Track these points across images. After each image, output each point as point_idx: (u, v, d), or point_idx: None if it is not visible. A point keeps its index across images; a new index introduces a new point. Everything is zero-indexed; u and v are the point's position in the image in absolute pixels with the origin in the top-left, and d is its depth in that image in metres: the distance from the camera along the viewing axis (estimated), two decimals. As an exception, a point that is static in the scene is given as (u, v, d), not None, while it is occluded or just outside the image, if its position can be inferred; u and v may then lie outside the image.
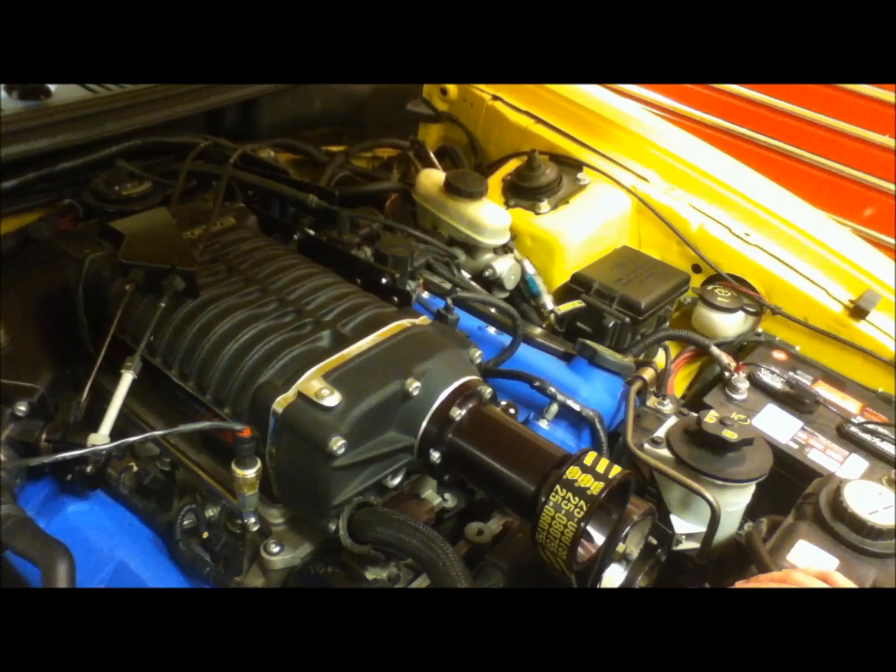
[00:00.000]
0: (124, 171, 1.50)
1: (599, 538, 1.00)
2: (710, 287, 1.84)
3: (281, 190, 1.61)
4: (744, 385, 1.52)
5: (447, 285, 1.59)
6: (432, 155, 2.10)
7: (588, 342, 1.48)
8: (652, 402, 1.43)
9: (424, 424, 1.07)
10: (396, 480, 1.11)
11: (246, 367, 1.08)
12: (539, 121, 2.07)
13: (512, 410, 1.30)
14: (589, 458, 0.98)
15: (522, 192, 1.88)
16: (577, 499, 0.94)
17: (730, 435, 1.21)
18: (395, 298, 1.36)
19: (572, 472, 0.96)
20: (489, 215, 1.76)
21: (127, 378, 1.06)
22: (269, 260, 1.28)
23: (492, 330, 1.53)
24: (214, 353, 1.10)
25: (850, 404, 1.55)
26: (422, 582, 1.15)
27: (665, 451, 1.27)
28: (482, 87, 2.16)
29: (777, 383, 1.54)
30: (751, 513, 1.29)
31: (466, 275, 1.75)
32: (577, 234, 1.83)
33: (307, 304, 1.18)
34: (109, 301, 1.19)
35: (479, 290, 1.69)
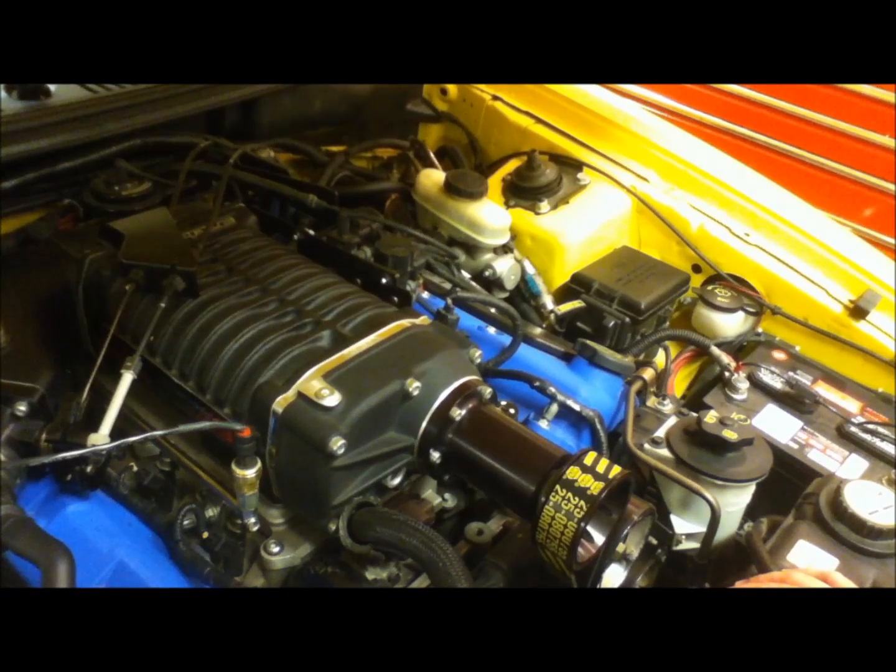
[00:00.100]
0: (124, 171, 1.50)
1: (599, 538, 1.00)
2: (710, 287, 1.84)
3: (281, 190, 1.61)
4: (744, 385, 1.52)
5: (447, 285, 1.59)
6: (432, 155, 2.10)
7: (588, 342, 1.48)
8: (652, 402, 1.43)
9: (424, 424, 1.07)
10: (396, 480, 1.11)
11: (246, 367, 1.08)
12: (539, 121, 2.07)
13: (512, 410, 1.30)
14: (589, 458, 0.98)
15: (522, 192, 1.88)
16: (577, 499, 0.94)
17: (730, 435, 1.21)
18: (395, 298, 1.36)
19: (572, 472, 0.96)
20: (489, 215, 1.76)
21: (127, 378, 1.06)
22: (269, 260, 1.28)
23: (492, 330, 1.53)
24: (214, 353, 1.10)
25: (850, 404, 1.55)
26: (422, 582, 1.15)
27: (665, 451, 1.27)
28: (482, 87, 2.16)
29: (777, 383, 1.54)
30: (751, 513, 1.29)
31: (466, 275, 1.75)
32: (577, 234, 1.83)
33: (307, 304, 1.18)
34: (109, 301, 1.19)
35: (479, 290, 1.69)
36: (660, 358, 1.69)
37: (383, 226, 1.63)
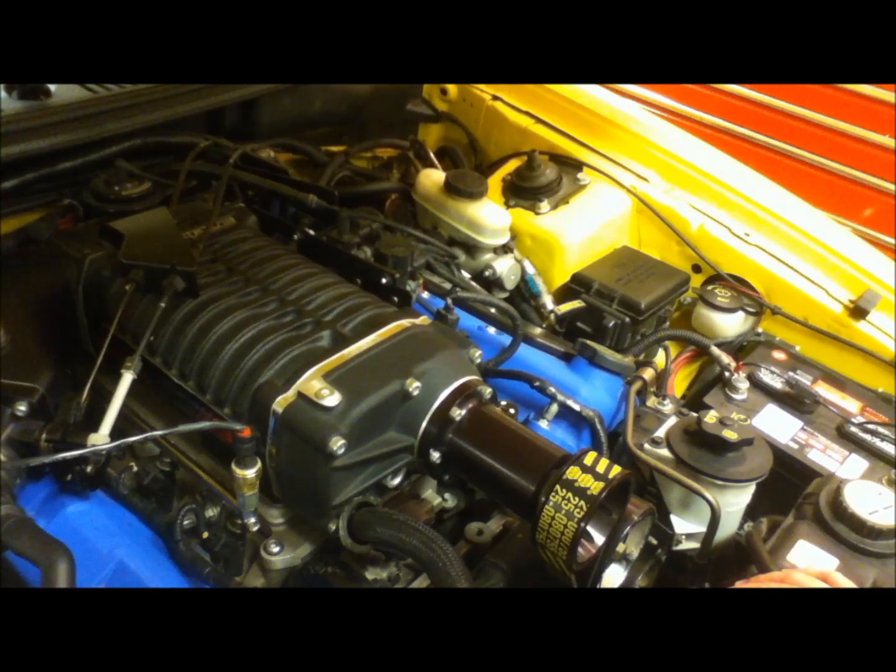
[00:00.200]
0: (124, 171, 1.50)
1: (599, 538, 1.00)
2: (710, 287, 1.84)
3: (281, 190, 1.61)
4: (744, 385, 1.52)
5: (447, 285, 1.59)
6: (432, 155, 2.10)
7: (588, 342, 1.48)
8: (652, 402, 1.43)
9: (424, 424, 1.07)
10: (396, 480, 1.11)
11: (246, 367, 1.08)
12: (539, 121, 2.07)
13: (512, 410, 1.29)
14: (589, 458, 0.98)
15: (522, 192, 1.88)
16: (577, 499, 0.94)
17: (730, 435, 1.21)
18: (395, 298, 1.36)
19: (572, 472, 0.96)
20: (489, 215, 1.76)
21: (127, 378, 1.06)
22: (269, 260, 1.28)
23: (492, 330, 1.53)
24: (214, 353, 1.10)
25: (850, 404, 1.55)
26: (422, 582, 1.15)
27: (665, 451, 1.27)
28: (482, 87, 2.16)
29: (777, 383, 1.54)
30: (751, 513, 1.29)
31: (466, 275, 1.75)
32: (577, 234, 1.83)
33: (307, 304, 1.18)
34: (109, 301, 1.19)
35: (479, 290, 1.69)
36: (660, 358, 1.69)
37: (383, 226, 1.63)
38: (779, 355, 1.66)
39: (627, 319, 1.68)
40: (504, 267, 1.77)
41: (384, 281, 1.37)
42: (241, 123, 1.85)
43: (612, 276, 1.76)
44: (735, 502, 1.25)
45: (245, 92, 1.69)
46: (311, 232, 1.52)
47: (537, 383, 1.36)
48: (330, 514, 1.04)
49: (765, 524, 1.21)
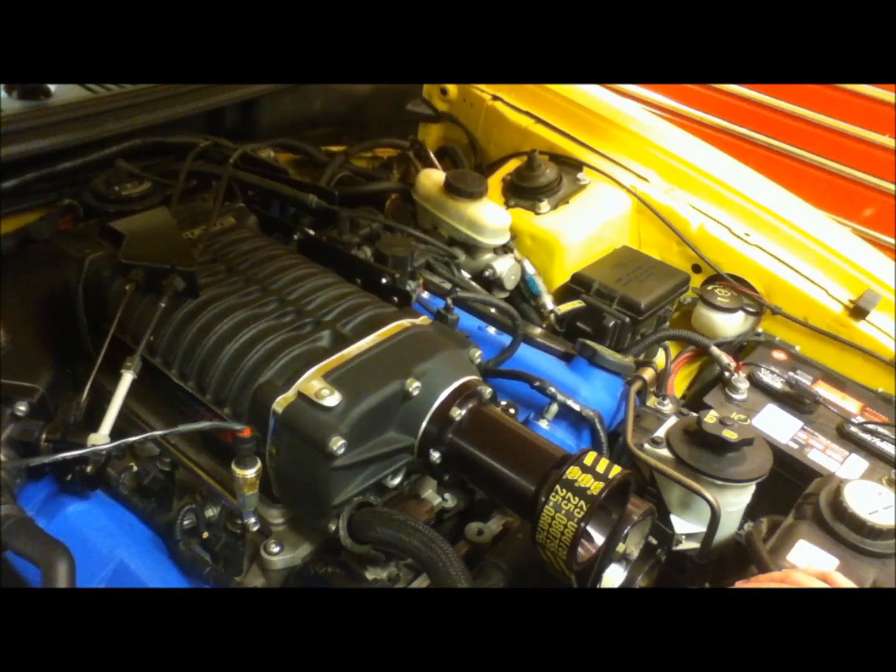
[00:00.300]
0: (124, 171, 1.50)
1: (599, 538, 1.00)
2: (710, 287, 1.84)
3: (281, 190, 1.61)
4: (744, 385, 1.52)
5: (447, 285, 1.59)
6: (432, 155, 2.10)
7: (588, 342, 1.48)
8: (652, 402, 1.43)
9: (424, 424, 1.07)
10: (396, 480, 1.11)
11: (246, 367, 1.08)
12: (539, 121, 2.07)
13: (512, 410, 1.29)
14: (589, 458, 0.98)
15: (522, 192, 1.88)
16: (577, 499, 0.94)
17: (730, 435, 1.21)
18: (395, 298, 1.36)
19: (572, 472, 0.96)
20: (489, 215, 1.76)
21: (127, 378, 1.06)
22: (269, 260, 1.28)
23: (492, 330, 1.53)
24: (214, 353, 1.10)
25: (850, 404, 1.55)
26: (422, 582, 1.15)
27: (665, 451, 1.27)
28: (482, 87, 2.16)
29: (777, 383, 1.54)
30: (751, 513, 1.29)
31: (466, 275, 1.75)
32: (577, 234, 1.83)
33: (307, 304, 1.18)
34: (109, 301, 1.19)
35: (479, 290, 1.69)
36: (660, 358, 1.69)
37: (383, 226, 1.63)
38: (779, 355, 1.66)
39: (627, 319, 1.68)
40: (504, 267, 1.77)
41: (384, 281, 1.37)
42: (241, 123, 1.85)
43: (612, 276, 1.76)
44: (735, 502, 1.25)
45: (245, 92, 1.69)
46: (311, 232, 1.52)
47: (537, 383, 1.36)
48: (330, 514, 1.04)
49: (765, 524, 1.21)
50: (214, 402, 1.11)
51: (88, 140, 1.45)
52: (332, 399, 0.99)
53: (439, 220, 1.81)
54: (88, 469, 1.09)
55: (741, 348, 1.76)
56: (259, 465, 1.01)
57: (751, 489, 1.26)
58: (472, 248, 1.80)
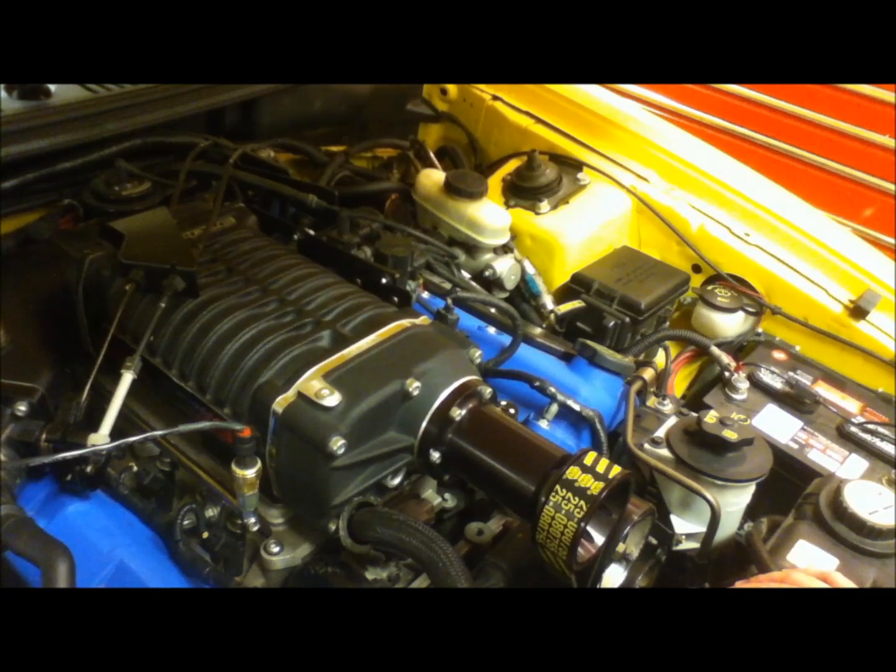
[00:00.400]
0: (124, 171, 1.50)
1: (599, 538, 1.00)
2: (710, 287, 1.84)
3: (281, 190, 1.61)
4: (744, 385, 1.52)
5: (447, 285, 1.59)
6: (432, 155, 2.10)
7: (588, 342, 1.48)
8: (652, 402, 1.43)
9: (424, 424, 1.07)
10: (396, 480, 1.11)
11: (246, 367, 1.08)
12: (539, 121, 2.07)
13: (512, 410, 1.29)
14: (589, 458, 0.98)
15: (522, 192, 1.88)
16: (577, 499, 0.94)
17: (730, 435, 1.21)
18: (395, 298, 1.36)
19: (572, 472, 0.96)
20: (489, 215, 1.76)
21: (127, 378, 1.06)
22: (269, 260, 1.28)
23: (492, 330, 1.53)
24: (214, 353, 1.10)
25: (850, 404, 1.55)
26: (422, 582, 1.15)
27: (665, 451, 1.27)
28: (482, 87, 2.16)
29: (777, 383, 1.54)
30: (751, 513, 1.29)
31: (466, 275, 1.75)
32: (577, 234, 1.83)
33: (307, 304, 1.18)
34: (109, 301, 1.19)
35: (479, 290, 1.69)
36: (660, 358, 1.69)
37: (383, 226, 1.63)
38: (779, 355, 1.66)
39: (627, 319, 1.68)
40: (504, 267, 1.77)
41: (384, 281, 1.37)
42: (241, 123, 1.85)
43: (612, 276, 1.76)
44: (735, 502, 1.25)
45: (245, 92, 1.69)
46: (311, 232, 1.52)
47: (537, 383, 1.36)
48: (330, 514, 1.04)
49: (765, 524, 1.21)
50: (214, 402, 1.11)
51: (88, 140, 1.45)
52: (332, 399, 0.99)
53: (439, 220, 1.81)
54: (88, 469, 1.09)
55: (741, 348, 1.76)
56: (259, 465, 1.01)
57: (751, 489, 1.26)
58: (472, 248, 1.80)
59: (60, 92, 1.48)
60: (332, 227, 1.57)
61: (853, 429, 1.45)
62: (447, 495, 1.26)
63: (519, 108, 2.10)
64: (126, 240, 1.19)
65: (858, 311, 1.72)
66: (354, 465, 1.03)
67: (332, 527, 1.04)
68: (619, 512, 1.00)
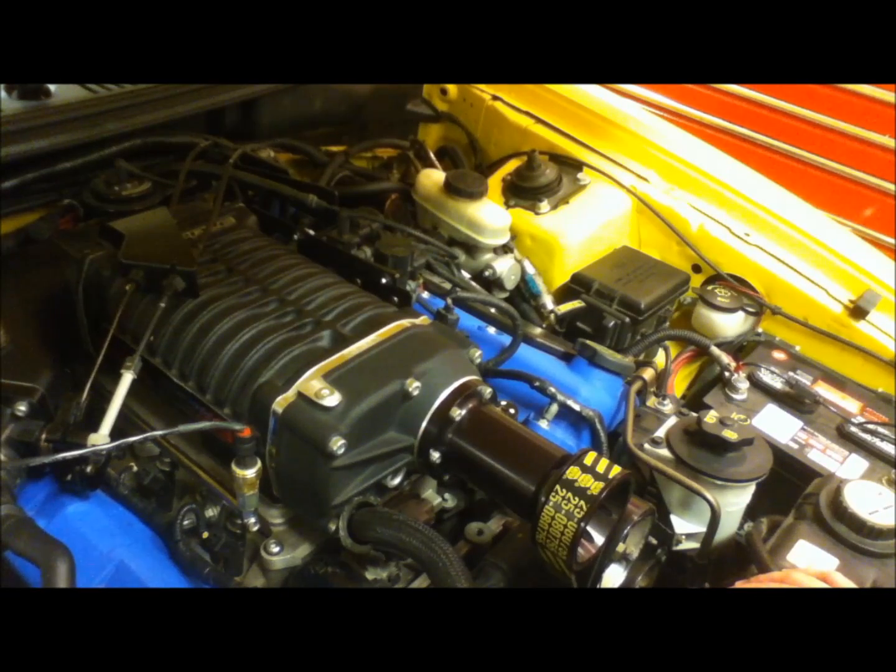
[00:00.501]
0: (124, 171, 1.50)
1: (599, 538, 1.00)
2: (710, 287, 1.84)
3: (281, 190, 1.61)
4: (744, 385, 1.52)
5: (447, 285, 1.59)
6: (432, 155, 2.10)
7: (588, 342, 1.48)
8: (652, 402, 1.43)
9: (424, 424, 1.07)
10: (396, 480, 1.11)
11: (246, 367, 1.08)
12: (539, 121, 2.07)
13: (512, 410, 1.29)
14: (589, 458, 0.98)
15: (522, 192, 1.88)
16: (577, 499, 0.94)
17: (730, 435, 1.21)
18: (395, 298, 1.36)
19: (572, 472, 0.96)
20: (489, 215, 1.76)
21: (127, 378, 1.06)
22: (269, 260, 1.28)
23: (492, 330, 1.53)
24: (214, 353, 1.10)
25: (850, 404, 1.55)
26: (422, 582, 1.15)
27: (665, 451, 1.27)
28: (482, 87, 2.16)
29: (777, 383, 1.54)
30: (751, 513, 1.29)
31: (466, 275, 1.75)
32: (577, 234, 1.83)
33: (307, 304, 1.18)
34: (109, 301, 1.19)
35: (479, 290, 1.69)
36: (660, 358, 1.69)
37: (383, 226, 1.63)
38: (779, 355, 1.66)
39: (627, 319, 1.68)
40: (504, 267, 1.77)
41: (384, 281, 1.37)
42: (241, 123, 1.85)
43: (612, 276, 1.76)
44: (735, 502, 1.25)
45: (245, 92, 1.69)
46: (311, 232, 1.52)
47: (537, 383, 1.36)
48: (330, 514, 1.04)
49: (765, 524, 1.21)
50: (214, 402, 1.11)
51: (88, 140, 1.46)
52: (332, 399, 0.99)
53: (439, 220, 1.81)
54: (88, 469, 1.09)
55: (741, 348, 1.76)
56: (259, 465, 1.01)
57: (751, 489, 1.26)
58: (472, 248, 1.80)
59: (60, 92, 1.48)
60: (332, 227, 1.57)
61: (853, 429, 1.45)
62: (447, 495, 1.26)
63: (519, 108, 2.10)
64: (126, 240, 1.19)
65: (858, 311, 1.72)
66: (354, 465, 1.03)
67: (332, 527, 1.04)
68: (619, 512, 1.00)
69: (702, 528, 1.22)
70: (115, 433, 1.03)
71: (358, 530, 1.03)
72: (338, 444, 0.97)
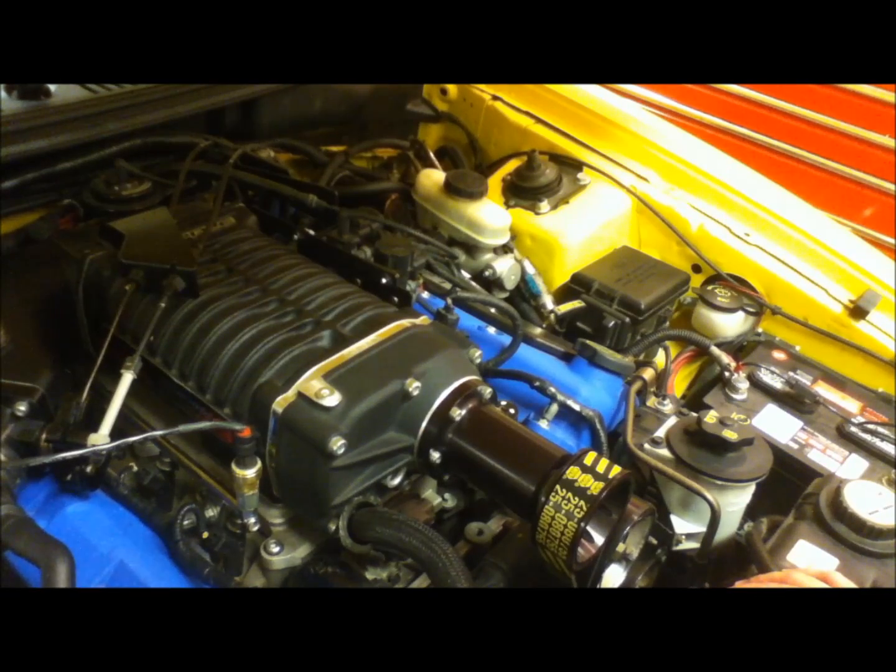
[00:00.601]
0: (124, 171, 1.50)
1: (599, 538, 1.00)
2: (710, 287, 1.84)
3: (281, 190, 1.61)
4: (744, 385, 1.52)
5: (447, 285, 1.59)
6: (432, 155, 2.10)
7: (588, 342, 1.48)
8: (652, 402, 1.43)
9: (424, 424, 1.07)
10: (396, 480, 1.11)
11: (246, 367, 1.08)
12: (539, 121, 2.07)
13: (512, 410, 1.29)
14: (589, 458, 0.98)
15: (522, 192, 1.88)
16: (577, 499, 0.94)
17: (730, 435, 1.21)
18: (395, 298, 1.36)
19: (572, 472, 0.96)
20: (489, 215, 1.76)
21: (127, 378, 1.06)
22: (269, 260, 1.28)
23: (492, 330, 1.53)
24: (214, 353, 1.10)
25: (850, 404, 1.55)
26: (422, 582, 1.15)
27: (665, 451, 1.27)
28: (482, 87, 2.17)
29: (777, 383, 1.54)
30: (751, 513, 1.29)
31: (466, 275, 1.75)
32: (577, 234, 1.83)
33: (307, 304, 1.18)
34: (109, 301, 1.19)
35: (479, 290, 1.69)
36: (660, 358, 1.69)
37: (383, 226, 1.63)
38: (779, 355, 1.66)
39: (627, 319, 1.68)
40: (504, 267, 1.77)
41: (384, 281, 1.37)
42: (241, 123, 1.85)
43: (612, 276, 1.76)
44: (735, 502, 1.25)
45: (245, 92, 1.69)
46: (311, 232, 1.52)
47: (537, 383, 1.36)
48: (330, 514, 1.04)
49: (765, 524, 1.21)
50: (214, 402, 1.11)
51: (88, 140, 1.45)
52: (332, 399, 0.99)
53: (439, 220, 1.81)
54: (88, 469, 1.09)
55: (741, 348, 1.76)
56: (259, 465, 1.01)
57: (751, 489, 1.26)
58: (472, 248, 1.80)
59: (60, 92, 1.48)
60: (332, 227, 1.57)
61: (853, 429, 1.45)
62: (447, 495, 1.26)
63: (519, 108, 2.10)
64: (126, 240, 1.19)
65: (858, 311, 1.72)
66: (354, 465, 1.03)
67: (332, 527, 1.04)
68: (619, 512, 1.00)
69: (702, 528, 1.22)
70: (115, 433, 1.03)
71: (358, 530, 1.03)
72: (338, 444, 0.97)
